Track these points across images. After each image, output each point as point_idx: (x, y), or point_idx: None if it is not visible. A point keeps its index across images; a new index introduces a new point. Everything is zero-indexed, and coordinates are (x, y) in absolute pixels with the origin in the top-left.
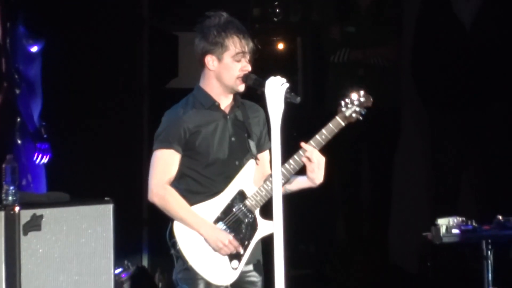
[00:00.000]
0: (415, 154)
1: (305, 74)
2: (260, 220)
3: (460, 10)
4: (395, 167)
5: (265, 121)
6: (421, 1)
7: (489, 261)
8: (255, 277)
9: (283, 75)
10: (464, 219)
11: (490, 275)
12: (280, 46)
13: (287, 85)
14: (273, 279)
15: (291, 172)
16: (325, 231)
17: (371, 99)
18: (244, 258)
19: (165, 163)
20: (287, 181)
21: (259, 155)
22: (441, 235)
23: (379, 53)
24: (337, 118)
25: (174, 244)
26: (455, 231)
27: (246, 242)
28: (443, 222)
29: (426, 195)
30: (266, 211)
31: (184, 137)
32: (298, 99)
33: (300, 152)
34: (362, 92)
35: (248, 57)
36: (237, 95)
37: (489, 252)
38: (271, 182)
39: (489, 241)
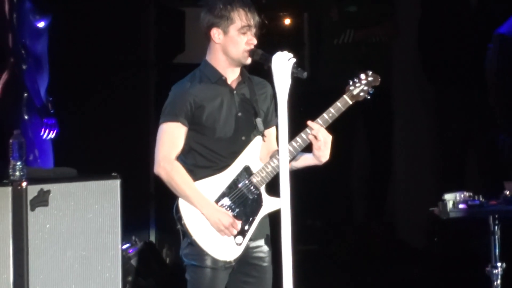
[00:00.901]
0: (421, 129)
1: (311, 49)
2: (265, 197)
3: None
4: (401, 143)
5: (272, 97)
6: None
7: (496, 236)
8: (263, 253)
9: (289, 50)
10: (471, 194)
11: (497, 250)
12: (287, 21)
13: (294, 60)
14: (281, 253)
15: (298, 149)
16: (331, 207)
17: (379, 79)
18: (249, 234)
19: (172, 137)
20: (293, 158)
21: (266, 131)
22: (448, 210)
23: (380, 31)
24: (345, 96)
25: (180, 219)
26: (462, 206)
27: (251, 218)
28: (450, 197)
29: (432, 170)
30: (272, 188)
31: (190, 110)
32: (305, 74)
33: (307, 130)
34: (370, 72)
35: (254, 30)
36: (244, 70)
37: (496, 227)
38: (277, 159)
39: (496, 216)
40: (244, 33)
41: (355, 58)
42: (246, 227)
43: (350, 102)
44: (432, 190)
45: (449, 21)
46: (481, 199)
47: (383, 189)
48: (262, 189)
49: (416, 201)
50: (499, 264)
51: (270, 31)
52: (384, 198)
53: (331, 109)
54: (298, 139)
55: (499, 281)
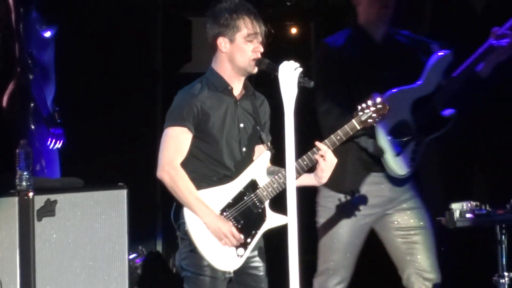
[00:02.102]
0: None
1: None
2: (269, 212)
3: None
4: None
5: (269, 114)
6: None
7: (504, 246)
8: (259, 262)
9: (296, 59)
10: (478, 203)
11: (504, 259)
12: (294, 30)
13: (301, 69)
14: (287, 263)
15: (304, 168)
16: None
17: (387, 107)
18: (250, 247)
19: (177, 141)
20: (298, 176)
21: (257, 146)
22: (455, 219)
23: None
24: (353, 121)
25: (181, 225)
26: (469, 215)
27: (254, 232)
28: (456, 207)
29: (439, 180)
30: (276, 204)
31: (197, 116)
32: (312, 84)
33: (314, 149)
34: (379, 99)
35: (260, 38)
36: (249, 84)
37: (503, 236)
38: (283, 176)
39: (503, 225)
40: (250, 41)
41: None
42: (249, 240)
43: (358, 127)
44: (439, 200)
45: (457, 30)
46: (487, 208)
47: None
48: (267, 204)
49: None
50: (506, 274)
51: (277, 40)
52: None
53: (340, 132)
54: (305, 157)
55: None
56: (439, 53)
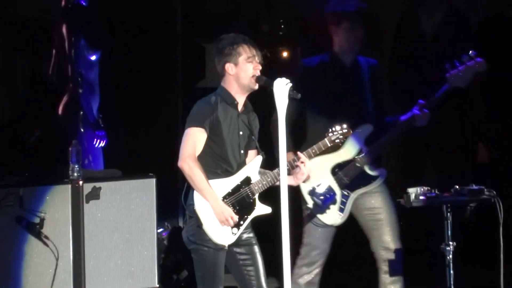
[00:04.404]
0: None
1: None
2: (258, 203)
3: (424, 24)
4: None
5: (258, 128)
6: (398, 18)
7: (449, 221)
8: (248, 234)
9: (287, 77)
10: (429, 188)
11: (449, 232)
12: (285, 54)
13: (290, 84)
14: (281, 254)
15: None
16: None
17: (351, 131)
18: (242, 227)
19: (196, 139)
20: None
21: (250, 151)
22: (411, 200)
23: None
24: (325, 139)
25: (190, 206)
26: (422, 197)
27: (245, 216)
28: (412, 191)
29: (398, 169)
30: (265, 197)
31: (212, 121)
32: (299, 96)
33: (295, 157)
34: (345, 125)
35: (257, 60)
36: (249, 103)
37: (448, 214)
38: (270, 176)
39: (449, 205)
40: (250, 62)
41: None
42: (241, 222)
43: (329, 145)
44: (398, 185)
45: (411, 55)
46: (436, 192)
47: None
48: (256, 196)
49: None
50: (450, 243)
51: (271, 61)
52: None
53: (315, 147)
54: (287, 163)
55: (451, 256)
56: (358, 130)
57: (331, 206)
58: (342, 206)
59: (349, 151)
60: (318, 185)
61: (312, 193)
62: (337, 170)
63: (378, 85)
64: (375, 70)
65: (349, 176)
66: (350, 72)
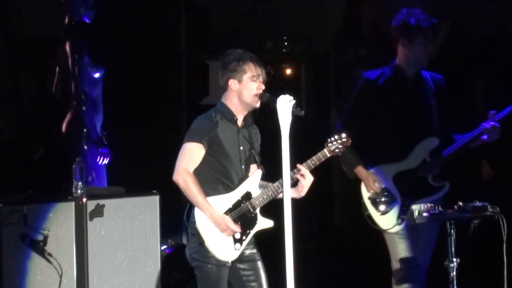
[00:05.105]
0: None
1: (307, 92)
2: (259, 217)
3: None
4: None
5: (260, 142)
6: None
7: (452, 237)
8: (251, 250)
9: (290, 93)
10: (432, 204)
11: (453, 248)
12: (288, 71)
13: (294, 101)
14: (284, 253)
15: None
16: (324, 213)
17: (350, 141)
18: (245, 243)
19: (192, 154)
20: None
21: (251, 165)
22: (415, 217)
23: None
24: (325, 150)
25: (192, 224)
26: (426, 214)
27: (248, 231)
28: (416, 208)
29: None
30: (266, 210)
31: (211, 137)
32: (303, 113)
33: (295, 170)
34: (344, 135)
35: (261, 79)
36: (249, 118)
37: (452, 230)
38: (271, 190)
39: (452, 221)
40: (254, 81)
41: None
42: (244, 238)
43: (328, 155)
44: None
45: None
46: (440, 208)
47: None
48: (258, 210)
49: None
50: (454, 259)
51: (275, 78)
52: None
53: (314, 158)
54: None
55: (454, 273)
56: (423, 142)
57: (391, 213)
58: (402, 216)
59: (413, 160)
60: (379, 192)
61: (373, 199)
62: (399, 178)
63: (444, 100)
64: (441, 85)
65: (410, 185)
66: (414, 86)
